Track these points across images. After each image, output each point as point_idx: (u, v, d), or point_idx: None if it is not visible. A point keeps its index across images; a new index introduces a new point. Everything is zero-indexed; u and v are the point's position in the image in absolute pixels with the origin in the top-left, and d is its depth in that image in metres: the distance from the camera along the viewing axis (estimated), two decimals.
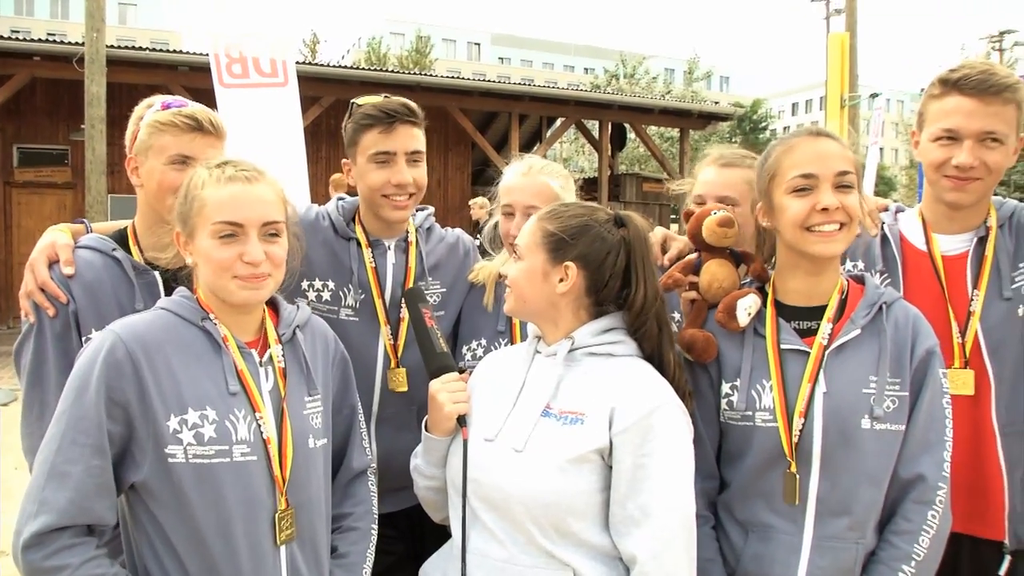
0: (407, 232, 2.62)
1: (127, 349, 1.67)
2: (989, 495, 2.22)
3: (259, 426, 1.77)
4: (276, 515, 1.78)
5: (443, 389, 1.96)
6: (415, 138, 2.48)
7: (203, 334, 1.79)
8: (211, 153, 2.21)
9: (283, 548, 1.79)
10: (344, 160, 2.58)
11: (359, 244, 2.55)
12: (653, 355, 1.91)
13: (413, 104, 2.49)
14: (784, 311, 2.06)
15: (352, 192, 2.66)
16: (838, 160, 1.96)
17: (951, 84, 2.21)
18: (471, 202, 13.81)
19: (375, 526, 2.09)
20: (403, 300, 2.45)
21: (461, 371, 2.06)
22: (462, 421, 1.94)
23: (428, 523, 2.38)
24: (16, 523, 1.62)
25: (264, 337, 1.90)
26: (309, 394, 1.91)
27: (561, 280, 1.88)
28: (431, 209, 2.77)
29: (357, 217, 2.60)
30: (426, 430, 2.01)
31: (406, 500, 2.53)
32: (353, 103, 2.52)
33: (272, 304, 1.96)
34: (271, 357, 1.87)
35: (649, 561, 1.71)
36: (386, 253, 2.57)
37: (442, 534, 2.45)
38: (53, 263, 2.10)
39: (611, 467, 1.78)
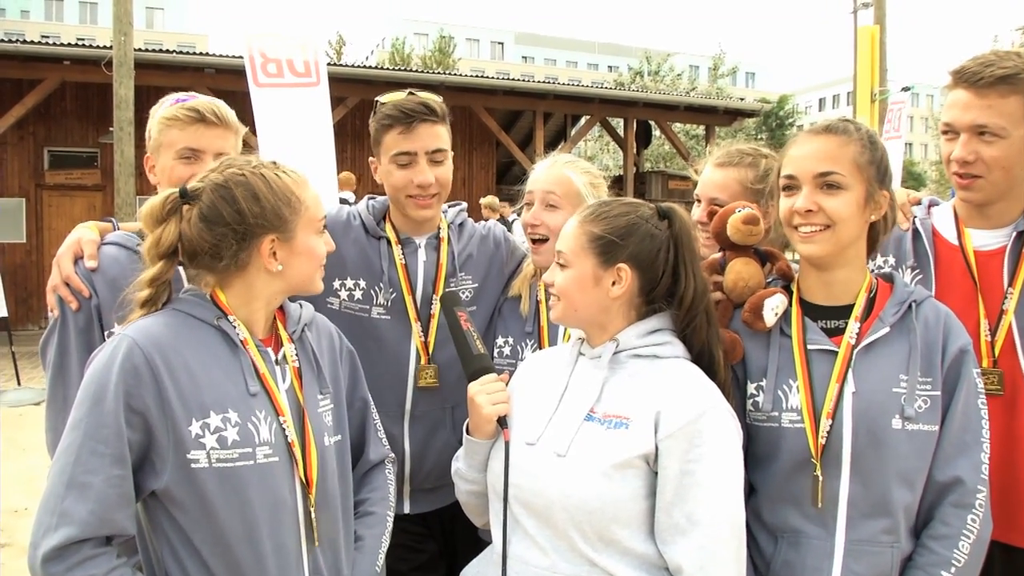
0: (439, 229, 2.60)
1: (144, 354, 1.62)
2: (1022, 500, 2.14)
3: (282, 428, 1.75)
4: (310, 516, 1.77)
5: (482, 391, 1.93)
6: (436, 136, 2.44)
7: (218, 334, 1.75)
8: (219, 144, 2.21)
9: (305, 548, 1.77)
10: (371, 159, 2.57)
11: (389, 243, 2.53)
12: (703, 353, 1.86)
13: (434, 100, 2.46)
14: (810, 310, 2.01)
15: (380, 191, 2.65)
16: (822, 161, 1.90)
17: (954, 76, 2.16)
18: (481, 201, 13.81)
19: (391, 513, 2.08)
20: (440, 304, 2.44)
21: (501, 371, 2.02)
22: (503, 423, 1.90)
23: (460, 525, 2.37)
24: (32, 535, 1.57)
25: (276, 336, 1.87)
26: (321, 392, 1.89)
27: (614, 283, 1.83)
28: (464, 204, 2.74)
29: (388, 215, 2.59)
30: (467, 433, 1.97)
31: (439, 500, 2.55)
32: (377, 101, 2.50)
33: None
34: (285, 356, 1.85)
35: (696, 573, 1.65)
36: (417, 251, 2.55)
37: (473, 536, 2.43)
38: (78, 259, 2.12)
39: (656, 473, 1.72)
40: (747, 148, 2.50)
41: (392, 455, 2.16)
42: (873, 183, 1.92)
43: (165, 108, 2.24)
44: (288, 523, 1.74)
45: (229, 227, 1.71)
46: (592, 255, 1.84)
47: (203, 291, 1.79)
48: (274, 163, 1.84)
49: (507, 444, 1.86)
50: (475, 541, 2.43)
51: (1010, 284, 2.17)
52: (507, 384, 1.99)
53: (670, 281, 1.86)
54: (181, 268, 1.84)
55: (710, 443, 1.70)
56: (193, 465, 1.63)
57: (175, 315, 1.75)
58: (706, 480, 1.68)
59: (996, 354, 2.16)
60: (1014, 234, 2.20)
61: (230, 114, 2.28)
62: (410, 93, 2.46)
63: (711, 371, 1.84)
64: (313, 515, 1.78)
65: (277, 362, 1.82)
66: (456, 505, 2.21)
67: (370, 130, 2.52)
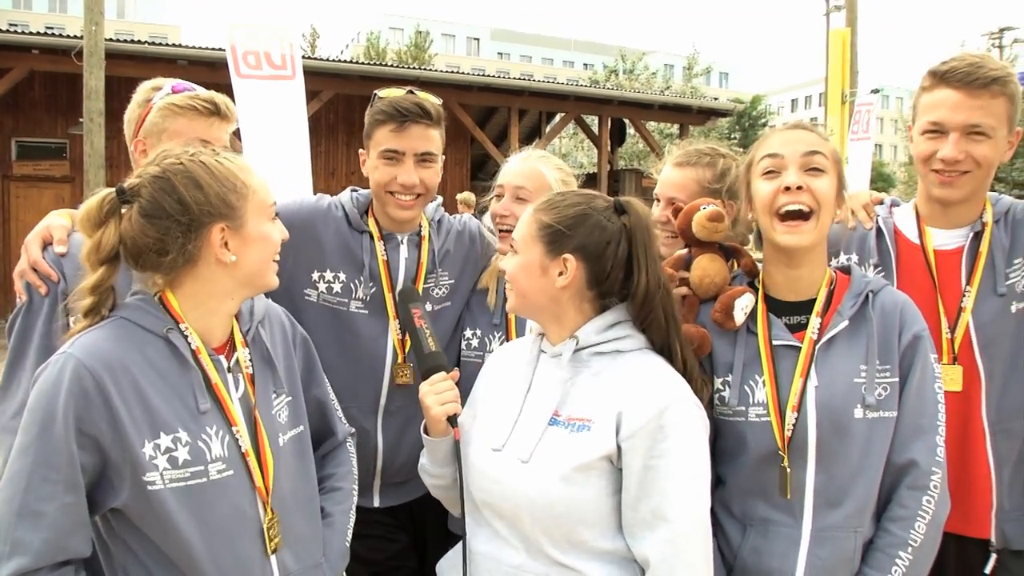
0: (420, 227, 2.60)
1: (92, 376, 1.56)
2: (975, 493, 2.21)
3: (235, 440, 1.71)
4: (264, 526, 1.74)
5: (430, 392, 1.95)
6: (427, 139, 2.43)
7: (167, 346, 1.68)
8: (226, 138, 2.22)
9: (273, 556, 1.76)
10: (360, 150, 2.56)
11: (372, 237, 2.52)
12: (663, 347, 1.85)
13: (431, 103, 2.44)
14: (775, 306, 2.06)
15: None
16: (807, 143, 1.97)
17: (939, 76, 2.20)
18: (457, 197, 13.84)
19: (356, 486, 2.09)
20: (397, 299, 2.45)
21: (451, 369, 2.04)
22: (452, 422, 1.92)
23: (430, 517, 2.38)
24: None
25: (231, 340, 1.82)
26: (276, 391, 1.85)
27: (560, 273, 1.82)
28: (440, 199, 2.74)
29: (371, 209, 2.58)
30: (424, 432, 1.99)
31: (409, 493, 2.56)
32: (375, 94, 2.48)
33: None
34: (238, 361, 1.79)
35: (661, 565, 1.67)
36: (399, 247, 2.55)
37: (443, 528, 2.46)
38: (48, 244, 2.10)
39: (620, 469, 1.73)
40: (705, 148, 2.53)
41: (352, 430, 2.17)
42: (842, 180, 2.00)
43: (170, 95, 2.21)
44: (250, 534, 1.72)
45: (173, 219, 1.64)
46: (539, 243, 1.83)
47: (151, 292, 1.73)
48: (214, 151, 1.76)
49: (457, 443, 1.89)
50: (445, 533, 2.46)
51: (968, 283, 2.23)
52: (456, 380, 2.00)
53: (621, 275, 1.83)
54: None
55: (674, 437, 1.70)
56: (149, 487, 1.59)
57: (122, 326, 1.67)
58: (670, 474, 1.68)
59: (956, 351, 2.22)
60: (971, 234, 2.26)
61: (235, 111, 2.30)
62: (409, 91, 2.45)
63: (675, 363, 1.84)
64: (274, 520, 1.75)
65: (229, 369, 1.77)
66: (425, 498, 2.22)
67: (364, 122, 2.51)
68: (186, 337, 1.71)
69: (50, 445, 1.53)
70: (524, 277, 1.86)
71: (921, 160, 2.26)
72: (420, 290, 2.52)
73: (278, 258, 1.82)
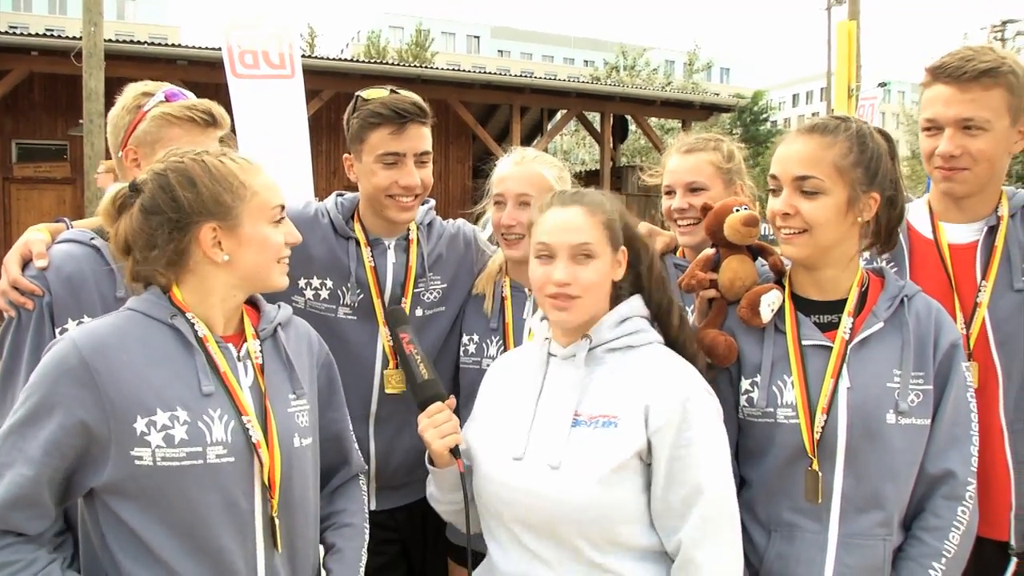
0: (408, 230, 2.56)
1: (82, 356, 1.59)
2: (994, 493, 2.15)
3: (244, 427, 1.68)
4: (272, 520, 1.70)
5: (429, 425, 1.89)
6: (424, 138, 2.43)
7: (173, 332, 1.69)
8: (212, 145, 2.16)
9: (263, 553, 1.71)
10: (345, 155, 2.50)
11: (358, 243, 2.48)
12: (675, 340, 1.89)
13: (422, 102, 2.43)
14: (803, 305, 2.01)
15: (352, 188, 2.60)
16: (801, 164, 1.90)
17: (932, 72, 2.17)
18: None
19: (367, 526, 2.04)
20: (386, 322, 2.40)
21: (447, 396, 1.97)
22: (455, 452, 1.88)
23: (431, 519, 2.34)
24: None
25: (242, 333, 1.82)
26: (294, 392, 1.83)
27: (618, 266, 1.88)
28: (432, 203, 2.71)
29: (356, 214, 2.53)
30: (429, 463, 1.95)
31: (403, 498, 2.53)
32: (358, 96, 2.43)
33: (253, 303, 1.89)
34: (248, 352, 1.78)
35: (692, 549, 1.68)
36: (386, 252, 2.51)
37: (441, 531, 2.41)
38: (28, 261, 2.06)
39: (649, 464, 1.74)
40: (705, 135, 2.58)
41: (364, 466, 2.13)
42: (858, 186, 1.91)
43: (164, 104, 2.17)
44: (242, 526, 1.68)
45: (165, 215, 1.67)
46: (608, 243, 1.85)
47: (158, 286, 1.75)
48: (223, 151, 1.78)
49: (462, 475, 1.86)
50: (439, 540, 2.46)
51: (983, 278, 2.19)
52: (453, 408, 1.96)
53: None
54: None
55: (698, 426, 1.72)
56: (137, 462, 1.60)
57: (127, 316, 1.71)
58: (697, 462, 1.70)
59: (971, 347, 2.18)
60: (985, 229, 2.22)
61: (227, 117, 2.26)
62: (392, 91, 2.42)
63: (686, 355, 1.86)
64: (276, 519, 1.71)
65: (239, 358, 1.77)
66: (423, 502, 2.18)
67: (348, 125, 2.45)
68: (192, 324, 1.71)
69: (28, 417, 1.59)
70: (605, 280, 1.85)
71: (925, 157, 2.23)
72: (410, 295, 2.47)
73: (285, 259, 1.82)
